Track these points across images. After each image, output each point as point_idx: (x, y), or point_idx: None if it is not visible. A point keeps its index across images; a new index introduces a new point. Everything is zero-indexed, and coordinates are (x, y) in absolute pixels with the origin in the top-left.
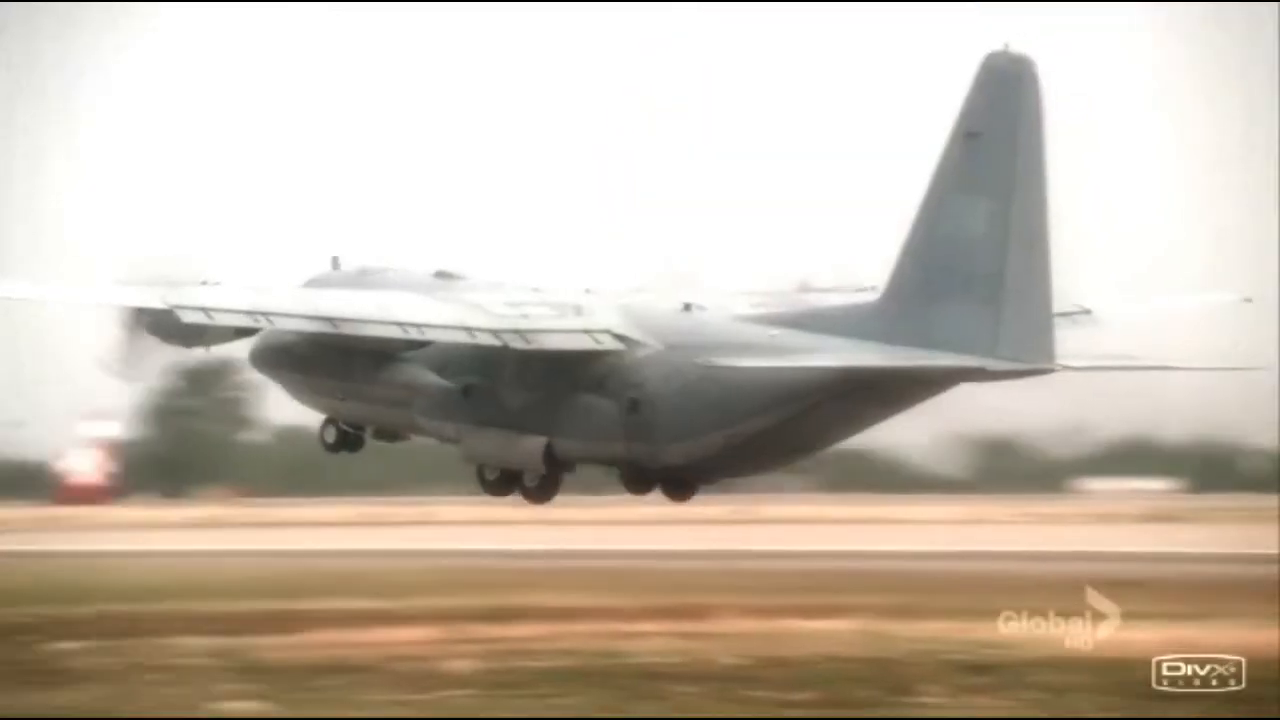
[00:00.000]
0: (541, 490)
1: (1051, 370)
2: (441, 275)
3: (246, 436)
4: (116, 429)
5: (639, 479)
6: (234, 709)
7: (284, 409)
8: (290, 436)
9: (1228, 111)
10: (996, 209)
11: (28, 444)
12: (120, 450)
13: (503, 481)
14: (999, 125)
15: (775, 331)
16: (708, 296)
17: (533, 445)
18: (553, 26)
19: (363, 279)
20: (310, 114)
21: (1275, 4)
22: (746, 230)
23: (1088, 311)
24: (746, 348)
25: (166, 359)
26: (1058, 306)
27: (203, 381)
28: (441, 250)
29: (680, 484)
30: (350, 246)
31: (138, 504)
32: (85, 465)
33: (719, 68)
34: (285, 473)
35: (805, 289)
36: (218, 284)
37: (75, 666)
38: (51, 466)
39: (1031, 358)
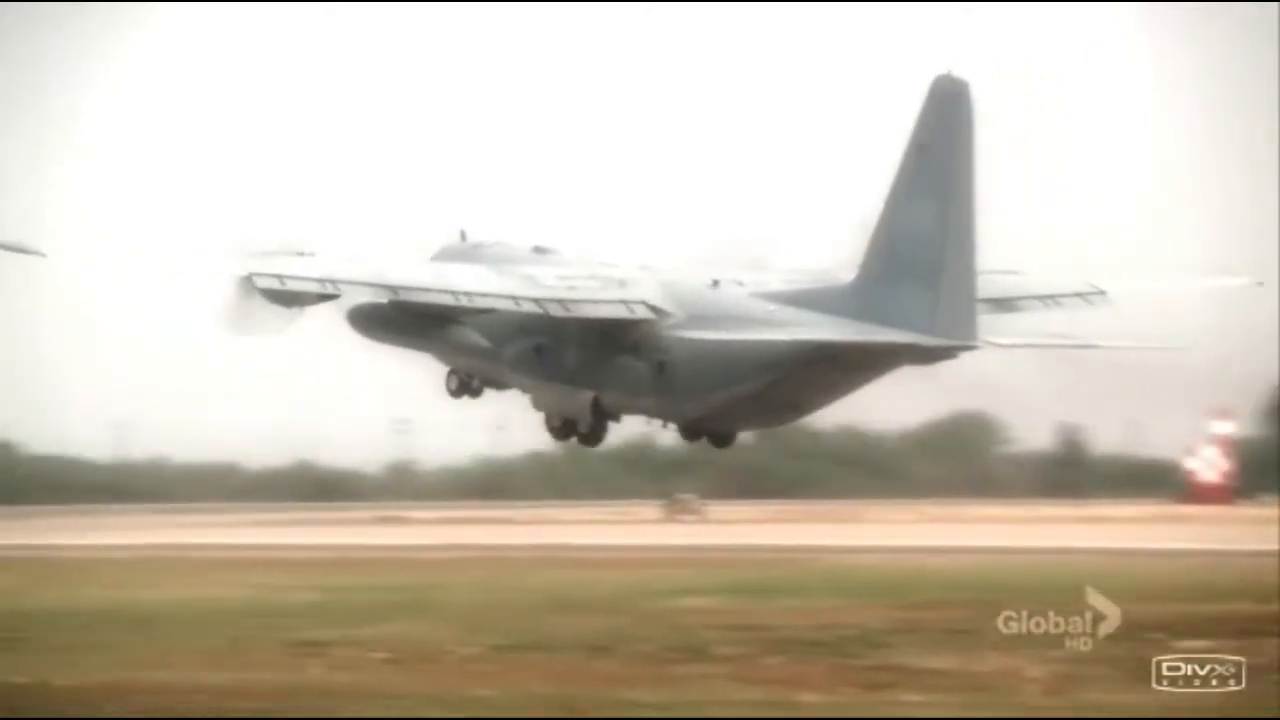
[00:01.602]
0: (592, 436)
1: (975, 348)
2: (538, 250)
3: None
4: (1236, 427)
5: (688, 429)
6: None
7: None
8: None
9: (1230, 116)
10: (938, 209)
11: (1153, 440)
12: (1240, 448)
13: (564, 429)
14: (942, 139)
15: (772, 307)
16: (749, 274)
17: (584, 398)
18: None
19: (476, 251)
20: (443, 96)
21: (1275, 3)
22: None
23: (1102, 292)
24: (748, 320)
25: (278, 318)
26: (1074, 287)
27: None
28: (554, 225)
29: (718, 434)
30: (478, 220)
31: (1259, 504)
32: (1210, 463)
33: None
34: None
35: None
36: (312, 254)
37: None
38: (1180, 464)
39: (958, 336)
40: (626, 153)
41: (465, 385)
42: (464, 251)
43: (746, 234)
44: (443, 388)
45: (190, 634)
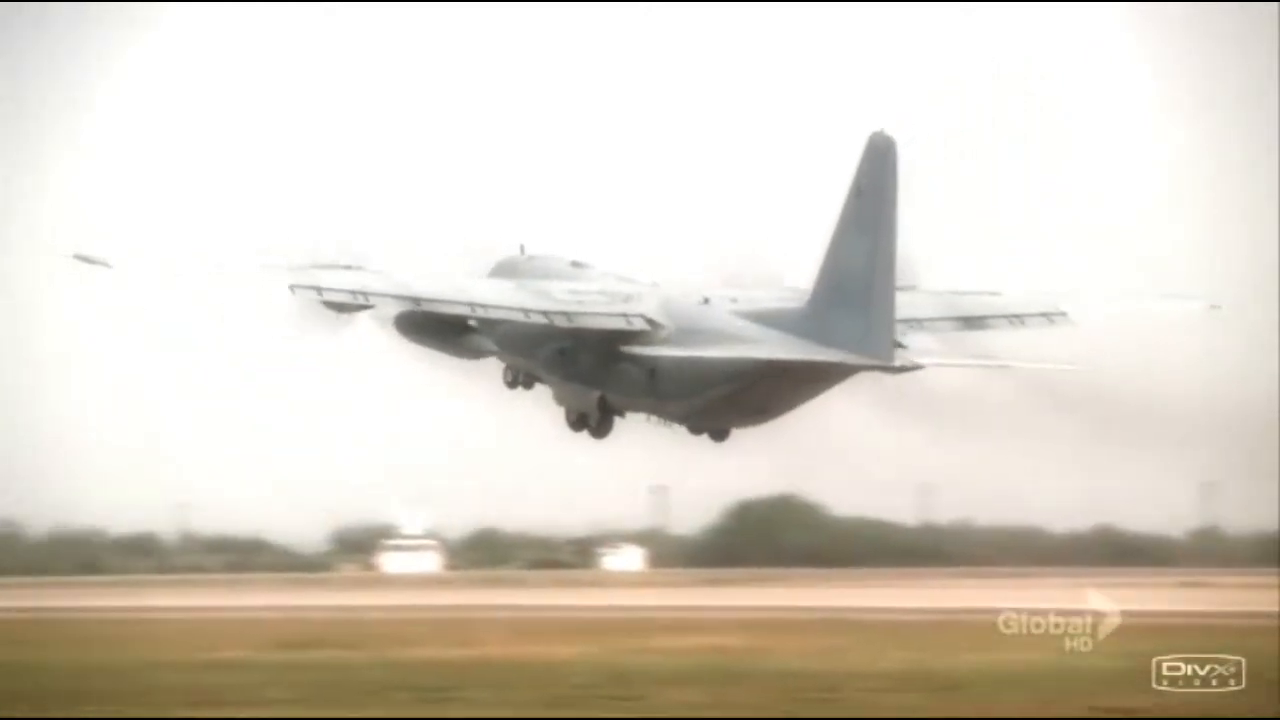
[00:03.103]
0: (600, 429)
1: (895, 366)
2: (575, 264)
3: None
4: None
5: (690, 426)
6: None
7: None
8: None
9: (1230, 116)
10: (870, 245)
11: None
12: None
13: (578, 423)
14: (874, 185)
15: (742, 324)
16: (744, 291)
17: (592, 396)
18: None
19: (527, 264)
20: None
21: (1275, 3)
22: None
23: (1064, 314)
24: (723, 335)
25: (334, 323)
26: (1039, 308)
27: None
28: (603, 240)
29: (713, 430)
30: (537, 231)
31: None
32: None
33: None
34: None
35: None
36: (360, 268)
37: None
38: None
39: (881, 356)
40: (672, 166)
41: (516, 379)
42: (517, 264)
43: (763, 251)
44: None
45: (989, 696)
